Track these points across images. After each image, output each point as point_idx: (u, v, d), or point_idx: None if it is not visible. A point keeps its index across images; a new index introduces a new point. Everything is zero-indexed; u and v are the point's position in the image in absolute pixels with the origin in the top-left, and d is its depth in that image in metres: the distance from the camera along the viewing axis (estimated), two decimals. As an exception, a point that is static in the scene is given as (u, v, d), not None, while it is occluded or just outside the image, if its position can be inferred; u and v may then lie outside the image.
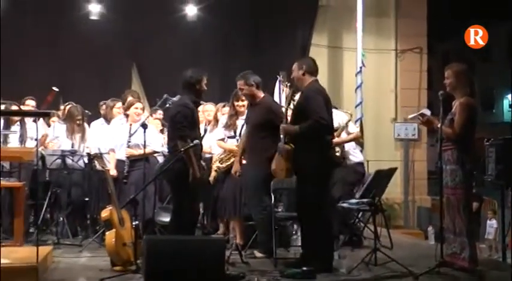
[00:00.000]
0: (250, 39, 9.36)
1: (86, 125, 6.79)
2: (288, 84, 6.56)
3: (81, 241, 6.10)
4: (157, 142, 6.20)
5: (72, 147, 6.33)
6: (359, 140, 6.63)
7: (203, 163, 5.83)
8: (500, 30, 22.04)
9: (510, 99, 25.74)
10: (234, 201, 5.81)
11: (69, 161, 6.22)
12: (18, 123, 6.37)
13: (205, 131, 6.23)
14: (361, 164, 6.55)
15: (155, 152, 6.20)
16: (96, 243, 5.86)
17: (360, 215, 6.49)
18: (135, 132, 5.95)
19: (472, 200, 4.95)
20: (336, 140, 5.47)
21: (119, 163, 6.08)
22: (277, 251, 5.23)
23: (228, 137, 6.09)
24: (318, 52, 9.61)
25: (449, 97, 4.87)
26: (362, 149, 6.81)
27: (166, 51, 8.92)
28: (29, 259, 4.42)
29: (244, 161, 5.64)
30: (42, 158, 6.33)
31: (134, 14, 8.88)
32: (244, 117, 5.83)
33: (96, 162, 5.77)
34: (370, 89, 9.57)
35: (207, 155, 6.32)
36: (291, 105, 5.16)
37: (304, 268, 4.57)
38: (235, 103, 5.94)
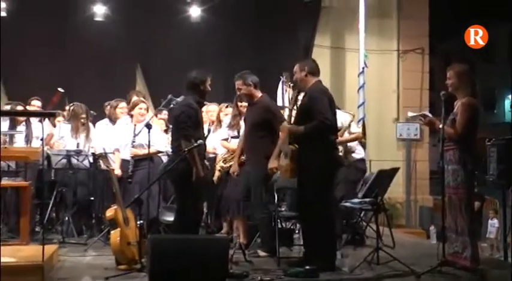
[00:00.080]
0: (254, 40, 9.40)
1: (90, 124, 6.82)
2: (291, 85, 6.59)
3: (86, 239, 6.12)
4: (161, 141, 6.22)
5: (78, 147, 6.35)
6: (361, 141, 6.67)
7: (207, 163, 5.86)
8: (502, 31, 22.01)
9: (511, 99, 25.71)
10: (237, 200, 5.85)
11: (74, 160, 6.24)
12: (23, 123, 6.42)
13: (209, 131, 6.28)
14: (362, 160, 6.60)
15: (159, 152, 6.22)
16: (101, 242, 5.88)
17: (362, 215, 6.52)
18: (139, 132, 5.98)
19: (473, 200, 4.97)
20: (338, 139, 5.50)
21: (124, 163, 6.11)
22: (280, 250, 5.25)
23: (232, 137, 6.12)
24: (321, 53, 9.67)
25: (451, 97, 4.89)
26: (364, 149, 6.86)
27: (171, 52, 8.97)
28: (35, 258, 4.44)
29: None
30: (48, 157, 6.35)
31: (139, 16, 8.94)
32: (248, 117, 5.86)
33: (101, 162, 5.79)
34: (373, 90, 9.61)
35: (211, 155, 6.36)
36: (295, 107, 5.18)
37: (307, 267, 4.58)
38: (239, 104, 5.99)
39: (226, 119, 6.43)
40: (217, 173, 6.16)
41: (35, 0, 8.61)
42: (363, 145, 6.88)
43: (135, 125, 6.11)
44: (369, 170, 7.67)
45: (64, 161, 6.24)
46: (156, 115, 6.75)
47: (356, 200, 5.86)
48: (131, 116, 6.23)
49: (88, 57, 8.83)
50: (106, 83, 8.75)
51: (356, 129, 6.58)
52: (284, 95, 6.99)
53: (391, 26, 10.18)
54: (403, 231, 8.29)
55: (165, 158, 6.31)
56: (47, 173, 6.47)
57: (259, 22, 9.44)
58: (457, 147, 4.77)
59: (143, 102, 6.32)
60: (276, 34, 9.39)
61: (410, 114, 5.69)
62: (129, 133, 6.12)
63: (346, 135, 6.27)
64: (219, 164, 6.15)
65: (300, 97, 5.11)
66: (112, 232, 4.97)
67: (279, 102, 7.35)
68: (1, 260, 4.38)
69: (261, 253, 5.42)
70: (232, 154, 6.02)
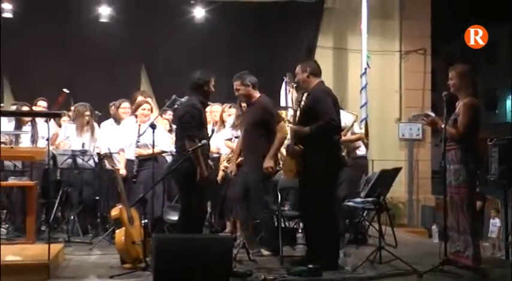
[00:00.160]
0: (257, 41, 9.41)
1: (95, 124, 6.87)
2: (295, 86, 6.62)
3: (91, 238, 6.16)
4: (165, 141, 6.26)
5: (83, 147, 6.39)
6: (363, 141, 6.71)
7: (211, 163, 5.91)
8: (504, 31, 22.00)
9: (513, 99, 25.72)
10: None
11: (79, 160, 6.28)
12: (29, 123, 6.46)
13: (213, 131, 6.32)
14: (364, 157, 6.67)
15: (163, 151, 6.26)
16: (106, 241, 5.91)
17: (365, 214, 6.56)
18: (143, 132, 6.01)
19: (475, 199, 4.98)
20: (341, 139, 5.53)
21: (128, 163, 6.15)
22: (284, 249, 5.27)
23: (236, 137, 6.16)
24: (324, 54, 9.69)
25: (453, 98, 4.91)
26: (367, 150, 6.90)
27: (175, 53, 9.00)
28: (41, 257, 4.49)
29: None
30: (54, 157, 6.39)
31: (143, 17, 8.97)
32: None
33: (106, 162, 5.83)
34: (375, 90, 9.62)
35: (215, 155, 6.40)
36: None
37: (310, 266, 4.60)
38: (243, 104, 6.01)
39: (229, 120, 6.47)
40: (221, 173, 6.21)
41: (40, 2, 8.64)
42: (366, 145, 6.92)
43: (139, 125, 6.14)
44: (372, 170, 7.72)
45: (70, 161, 6.28)
46: (161, 115, 6.79)
47: (359, 199, 5.90)
48: (136, 116, 6.26)
49: (93, 58, 8.86)
50: (111, 83, 8.79)
51: (358, 130, 6.62)
52: (287, 96, 7.02)
53: (394, 27, 10.19)
54: (405, 230, 8.29)
55: (169, 158, 6.34)
56: (52, 172, 6.50)
57: (262, 23, 9.45)
58: (459, 147, 4.79)
59: (147, 103, 6.34)
60: (279, 35, 9.41)
61: (413, 114, 5.71)
62: (133, 133, 6.15)
63: (349, 135, 6.31)
64: (223, 164, 6.19)
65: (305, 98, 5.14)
66: (117, 231, 5.00)
67: (282, 103, 7.38)
68: (8, 259, 4.46)
69: (265, 252, 5.45)
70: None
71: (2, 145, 6.06)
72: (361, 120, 8.39)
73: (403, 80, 10.21)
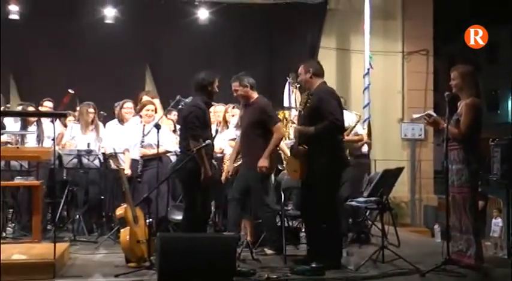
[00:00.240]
0: (261, 42, 9.47)
1: (100, 123, 6.91)
2: (298, 86, 6.66)
3: (96, 238, 6.21)
4: (170, 141, 6.28)
5: (88, 146, 6.42)
6: (366, 141, 6.75)
7: (214, 163, 5.95)
8: (505, 32, 21.99)
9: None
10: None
11: (85, 160, 6.32)
12: (35, 123, 6.51)
13: (217, 131, 6.36)
14: (366, 156, 6.72)
15: (168, 151, 6.28)
16: (111, 240, 5.94)
17: (367, 214, 6.56)
18: (148, 132, 6.04)
19: (477, 199, 4.98)
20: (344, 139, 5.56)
21: (133, 162, 6.18)
22: (287, 248, 5.31)
23: (239, 137, 6.19)
24: (327, 54, 9.72)
25: (455, 98, 4.93)
26: (370, 150, 6.94)
27: (179, 54, 9.05)
28: (47, 255, 4.53)
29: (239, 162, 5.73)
30: (59, 157, 6.42)
31: (148, 18, 9.02)
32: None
33: (111, 161, 5.86)
34: (378, 91, 9.66)
35: (219, 155, 6.44)
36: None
37: (313, 265, 4.63)
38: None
39: (233, 120, 6.49)
40: (225, 173, 6.23)
41: (46, 4, 8.69)
42: (369, 145, 6.97)
43: (144, 125, 6.17)
44: (374, 170, 7.76)
45: (75, 160, 6.32)
46: (165, 115, 6.82)
47: (361, 199, 5.91)
48: (141, 116, 6.30)
49: (98, 58, 8.91)
50: (116, 84, 8.81)
51: (361, 130, 6.66)
52: (291, 96, 7.06)
53: (396, 27, 10.22)
54: (408, 230, 8.30)
55: (173, 158, 6.36)
56: (58, 172, 6.54)
57: (266, 24, 9.49)
58: (461, 147, 4.80)
59: (151, 103, 6.37)
60: (283, 36, 9.45)
61: (415, 116, 5.73)
62: (138, 133, 6.17)
63: (351, 136, 6.35)
64: (227, 164, 6.22)
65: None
66: (122, 230, 5.03)
67: (286, 103, 7.42)
68: (14, 258, 4.51)
69: (268, 251, 5.48)
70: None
71: (9, 145, 6.13)
72: (364, 121, 8.43)
73: (406, 80, 10.24)
